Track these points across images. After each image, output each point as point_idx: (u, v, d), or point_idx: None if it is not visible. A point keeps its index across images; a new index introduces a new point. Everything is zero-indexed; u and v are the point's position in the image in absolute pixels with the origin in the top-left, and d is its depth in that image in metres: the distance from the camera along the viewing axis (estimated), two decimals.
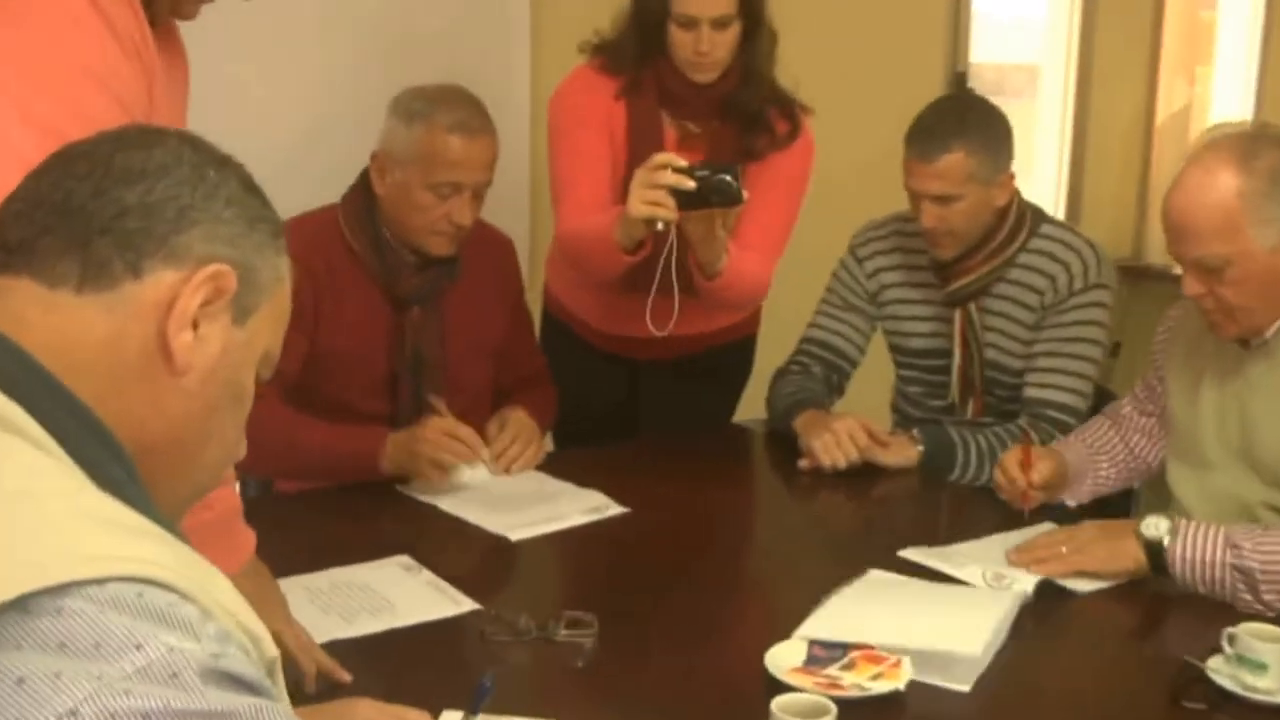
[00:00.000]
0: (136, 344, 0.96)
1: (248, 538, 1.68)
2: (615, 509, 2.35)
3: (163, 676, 0.77)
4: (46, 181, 0.99)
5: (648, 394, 3.02)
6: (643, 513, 2.34)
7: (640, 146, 2.62)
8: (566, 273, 2.91)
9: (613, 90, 2.69)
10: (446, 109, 2.41)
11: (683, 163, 2.32)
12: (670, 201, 2.30)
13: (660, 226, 2.34)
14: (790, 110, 2.75)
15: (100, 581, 0.79)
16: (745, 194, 2.35)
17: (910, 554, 2.13)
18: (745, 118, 2.68)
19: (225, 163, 1.04)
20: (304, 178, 2.56)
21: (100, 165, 0.99)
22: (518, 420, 2.57)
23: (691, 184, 2.28)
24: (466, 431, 2.39)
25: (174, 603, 0.81)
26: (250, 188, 1.05)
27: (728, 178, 2.30)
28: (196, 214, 0.99)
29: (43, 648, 0.76)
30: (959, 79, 4.63)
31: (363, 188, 2.52)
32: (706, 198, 2.31)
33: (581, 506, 2.35)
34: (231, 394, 1.03)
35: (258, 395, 1.07)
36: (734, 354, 3.06)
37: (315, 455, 2.40)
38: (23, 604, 0.77)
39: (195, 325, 0.98)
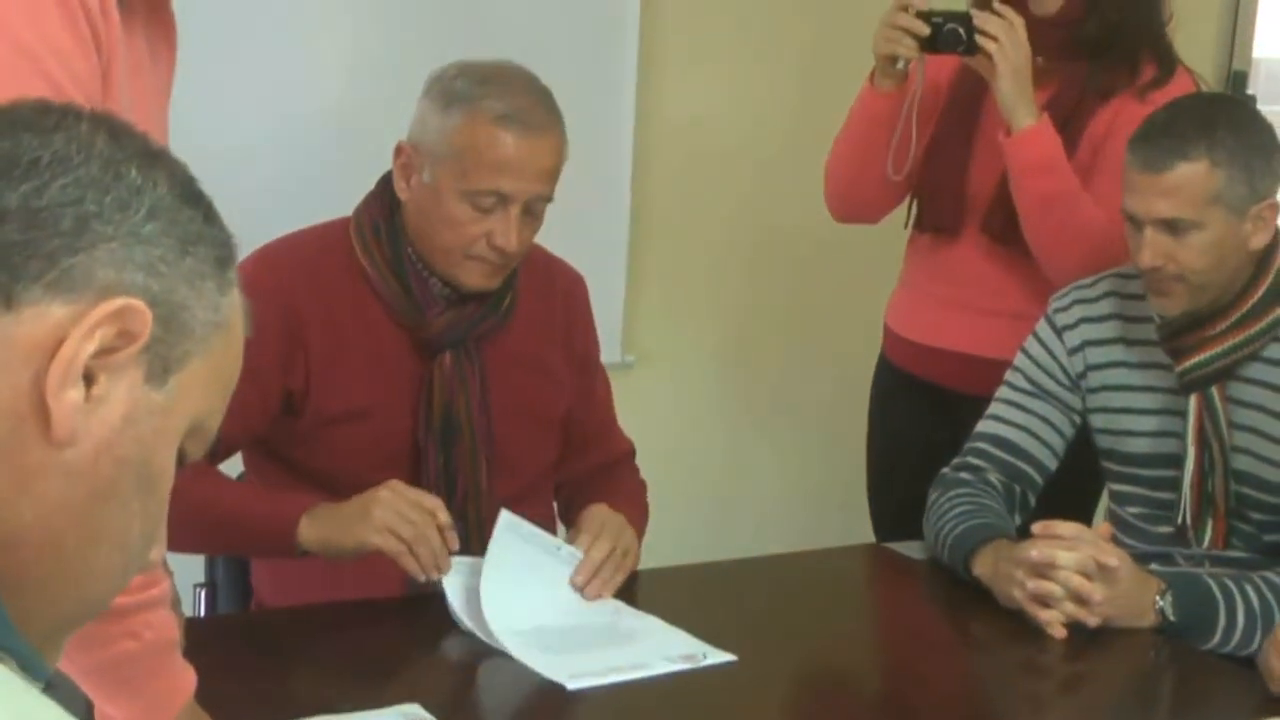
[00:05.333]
0: (3, 400, 0.82)
1: (183, 680, 1.44)
2: (716, 656, 1.90)
3: None
4: None
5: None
6: (753, 663, 1.91)
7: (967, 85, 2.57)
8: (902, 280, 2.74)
9: None
10: (498, 93, 1.99)
11: (920, 6, 2.44)
12: (909, 41, 2.44)
13: (901, 64, 2.50)
14: (1165, 57, 2.51)
15: None
16: (980, 45, 2.40)
17: None
18: (1092, 50, 2.51)
19: (155, 160, 0.88)
20: (325, 184, 2.30)
21: None
22: (615, 523, 2.07)
23: (926, 29, 2.43)
24: (435, 503, 1.92)
25: None
26: (188, 196, 0.89)
27: (958, 28, 2.43)
28: (104, 227, 0.85)
29: None
30: (1237, 81, 4.03)
31: (384, 193, 2.10)
32: (941, 43, 2.45)
33: (669, 650, 1.88)
34: (137, 477, 0.87)
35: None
36: None
37: (220, 517, 1.97)
38: None
39: (89, 380, 0.83)
